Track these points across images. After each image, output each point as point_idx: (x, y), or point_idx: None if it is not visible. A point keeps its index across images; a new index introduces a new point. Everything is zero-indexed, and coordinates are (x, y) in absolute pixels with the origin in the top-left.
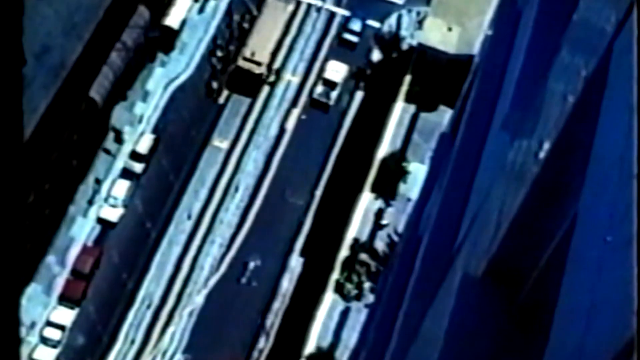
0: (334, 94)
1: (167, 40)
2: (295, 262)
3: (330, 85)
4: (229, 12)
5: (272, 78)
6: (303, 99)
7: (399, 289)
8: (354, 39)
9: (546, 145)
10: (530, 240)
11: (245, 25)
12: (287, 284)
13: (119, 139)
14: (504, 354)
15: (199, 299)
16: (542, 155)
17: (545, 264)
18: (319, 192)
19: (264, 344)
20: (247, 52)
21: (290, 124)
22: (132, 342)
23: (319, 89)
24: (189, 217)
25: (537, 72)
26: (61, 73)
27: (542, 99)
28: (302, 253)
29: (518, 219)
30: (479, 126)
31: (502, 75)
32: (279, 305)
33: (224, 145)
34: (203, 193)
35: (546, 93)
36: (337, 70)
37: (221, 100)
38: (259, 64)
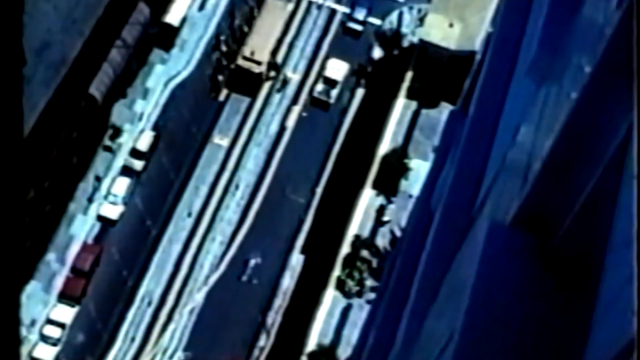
0: (335, 92)
1: (167, 37)
2: (296, 260)
3: (330, 83)
4: (229, 10)
5: (272, 74)
6: (303, 96)
7: (409, 269)
8: (358, 27)
9: (580, 83)
10: (564, 184)
11: (245, 24)
12: (288, 281)
13: (115, 136)
14: (535, 303)
15: (199, 297)
16: (574, 95)
17: (580, 209)
18: (319, 190)
19: (265, 341)
20: (246, 51)
21: (291, 122)
22: (132, 340)
23: (320, 87)
24: (189, 214)
25: (566, 10)
26: (61, 69)
27: (573, 36)
28: (303, 251)
29: (550, 162)
30: (499, 80)
31: (526, 19)
32: (279, 303)
33: (225, 142)
34: (203, 190)
35: (581, 23)
36: (337, 69)
37: (221, 97)
38: (258, 63)
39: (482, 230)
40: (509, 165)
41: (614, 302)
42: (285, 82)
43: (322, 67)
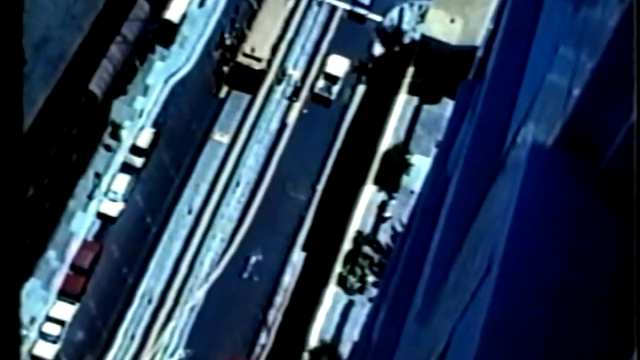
0: (336, 89)
1: (167, 34)
2: (297, 257)
3: (331, 79)
4: (229, 7)
5: (273, 70)
6: (304, 93)
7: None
8: (363, 12)
9: None
10: (612, 99)
11: (246, 20)
12: (289, 279)
13: (115, 135)
14: (583, 228)
15: (199, 295)
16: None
17: (630, 128)
18: (320, 187)
19: (266, 339)
20: (247, 48)
21: (292, 119)
22: (133, 337)
23: (321, 83)
24: (190, 211)
25: None
26: (60, 65)
27: None
28: (304, 248)
29: (598, 74)
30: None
31: None
32: (280, 300)
33: (225, 139)
34: (204, 187)
35: None
36: (338, 65)
37: (222, 94)
38: (258, 59)
39: (523, 154)
40: (548, 87)
41: None
42: (284, 73)
43: (323, 63)
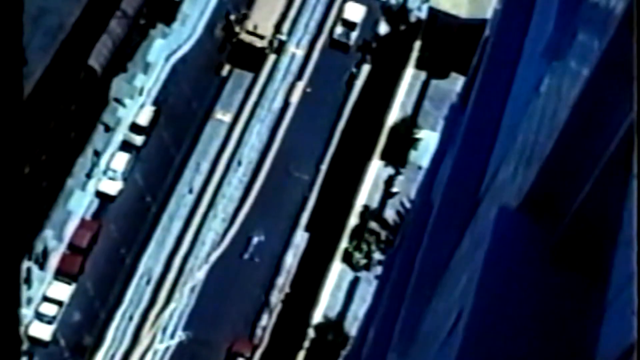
0: (354, 35)
1: (168, 11)
2: (300, 238)
3: (349, 26)
4: None
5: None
6: (308, 71)
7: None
8: None
9: (591, 62)
10: (572, 168)
11: None
12: (291, 260)
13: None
14: (544, 290)
15: (200, 275)
16: (585, 73)
17: (587, 194)
18: (324, 167)
19: (268, 321)
20: (249, 25)
21: (295, 97)
22: (131, 318)
23: (339, 29)
24: (191, 191)
25: None
26: (59, 35)
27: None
28: (307, 228)
29: (559, 143)
30: (502, 66)
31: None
32: (282, 281)
33: (227, 118)
34: (205, 166)
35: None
36: (356, 11)
37: (224, 72)
38: (261, 37)
39: (491, 215)
40: (517, 148)
41: (616, 299)
42: (282, 43)
43: (340, 10)
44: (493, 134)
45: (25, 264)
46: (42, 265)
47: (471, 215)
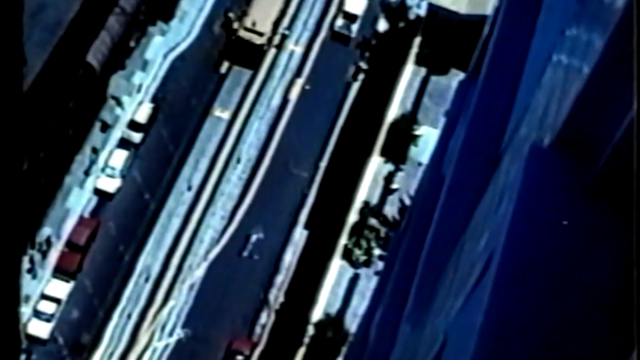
0: (355, 27)
1: (166, 8)
2: (299, 235)
3: (350, 18)
4: None
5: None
6: (307, 68)
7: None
8: None
9: None
10: (609, 101)
11: None
12: (290, 257)
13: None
14: (581, 229)
15: (198, 273)
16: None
17: (626, 128)
18: (323, 164)
19: (267, 319)
20: (248, 22)
21: (294, 95)
22: (129, 316)
23: (340, 22)
24: (189, 188)
25: None
26: (57, 31)
27: None
28: (306, 226)
29: (595, 75)
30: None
31: None
32: (281, 279)
33: (225, 115)
34: (204, 164)
35: None
36: (357, 3)
37: (223, 69)
38: (260, 34)
39: (522, 154)
40: (547, 84)
41: None
42: (284, 37)
43: (342, 2)
44: (515, 81)
45: (25, 261)
46: (40, 263)
47: (490, 176)
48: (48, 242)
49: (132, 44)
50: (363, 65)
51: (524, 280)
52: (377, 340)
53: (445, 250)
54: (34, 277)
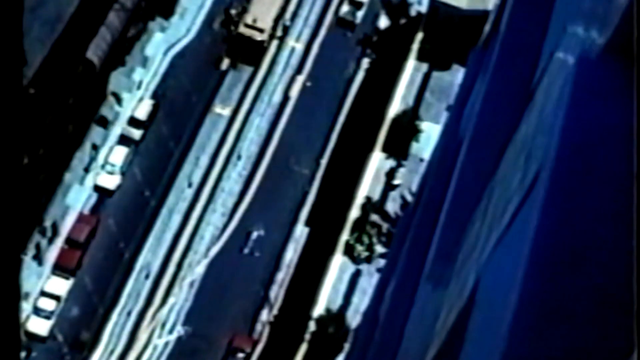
0: (360, 14)
1: (167, 4)
2: (300, 233)
3: (356, 5)
4: None
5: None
6: (308, 65)
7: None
8: None
9: None
10: None
11: None
12: (291, 254)
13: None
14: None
15: (199, 270)
16: None
17: None
18: (324, 161)
19: (267, 316)
20: (248, 19)
21: (295, 91)
22: (129, 314)
23: (345, 8)
24: (190, 185)
25: None
26: (57, 26)
27: None
28: (307, 223)
29: None
30: None
31: None
32: (282, 276)
33: (226, 112)
34: (204, 161)
35: None
36: None
37: (223, 66)
38: (261, 30)
39: (565, 70)
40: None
41: None
42: (286, 28)
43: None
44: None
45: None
46: (40, 260)
47: (520, 117)
48: (54, 229)
49: (132, 40)
50: (365, 61)
51: (574, 194)
52: (387, 316)
53: (469, 203)
54: (40, 263)
